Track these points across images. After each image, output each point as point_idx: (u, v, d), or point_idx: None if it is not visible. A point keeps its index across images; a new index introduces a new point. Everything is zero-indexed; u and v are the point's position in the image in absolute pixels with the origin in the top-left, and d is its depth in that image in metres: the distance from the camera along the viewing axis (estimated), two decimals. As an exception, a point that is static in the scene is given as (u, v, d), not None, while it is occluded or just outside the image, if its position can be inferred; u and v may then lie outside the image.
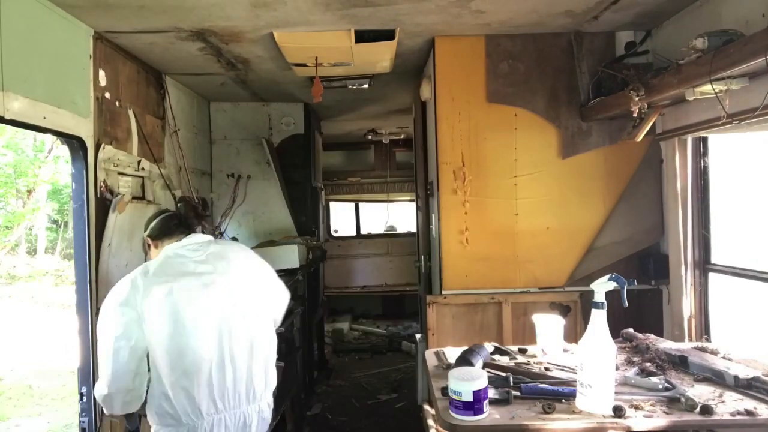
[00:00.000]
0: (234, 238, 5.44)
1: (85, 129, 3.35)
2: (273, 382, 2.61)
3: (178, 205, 2.76)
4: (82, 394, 3.22)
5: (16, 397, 6.86)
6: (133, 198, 3.93)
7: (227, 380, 2.37)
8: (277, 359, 2.68)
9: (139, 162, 4.02)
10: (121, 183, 3.77)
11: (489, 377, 2.19)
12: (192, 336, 2.30)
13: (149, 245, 2.63)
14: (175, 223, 2.60)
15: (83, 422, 3.16)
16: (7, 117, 2.65)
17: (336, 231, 9.86)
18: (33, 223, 13.25)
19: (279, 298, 2.75)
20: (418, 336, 4.45)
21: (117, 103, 3.80)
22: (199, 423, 2.31)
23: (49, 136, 7.89)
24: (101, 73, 3.59)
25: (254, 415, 2.48)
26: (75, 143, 3.30)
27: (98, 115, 3.51)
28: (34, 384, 7.21)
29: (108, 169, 3.57)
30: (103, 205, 3.47)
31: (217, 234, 5.49)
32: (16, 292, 11.75)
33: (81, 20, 3.35)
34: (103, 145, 3.49)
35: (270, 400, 2.59)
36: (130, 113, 3.98)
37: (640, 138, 3.57)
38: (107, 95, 3.65)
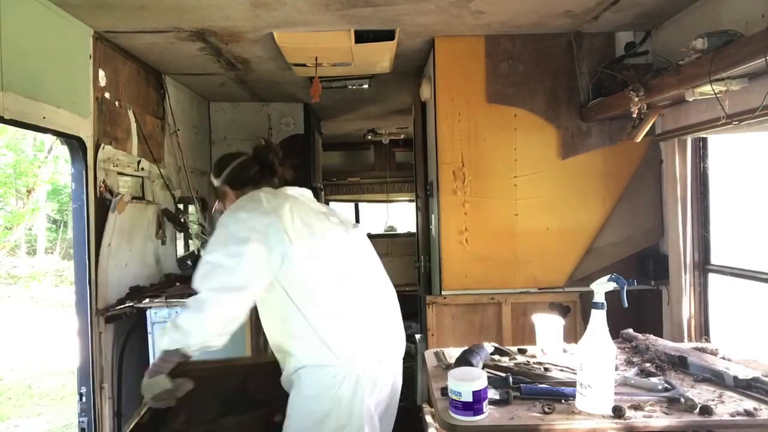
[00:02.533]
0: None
1: (84, 129, 3.35)
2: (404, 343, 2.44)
3: (257, 150, 2.38)
4: (81, 394, 3.22)
5: (16, 397, 6.85)
6: (133, 198, 3.93)
7: (381, 329, 2.26)
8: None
9: (138, 162, 4.02)
10: (120, 183, 3.77)
11: (489, 377, 2.19)
12: (351, 276, 2.19)
13: (224, 193, 2.33)
14: (257, 170, 2.32)
15: (82, 422, 3.17)
16: (7, 117, 2.65)
17: (336, 231, 9.84)
18: (33, 224, 13.23)
19: None
20: (417, 336, 4.42)
21: (117, 103, 3.80)
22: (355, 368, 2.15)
23: (48, 136, 7.89)
24: (101, 73, 3.59)
25: (399, 376, 2.42)
26: (75, 143, 3.31)
27: (98, 115, 3.51)
28: (34, 384, 7.20)
29: (107, 169, 3.58)
30: (103, 205, 3.48)
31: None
32: (16, 292, 11.74)
33: (81, 20, 3.35)
34: (102, 145, 3.49)
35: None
36: (130, 113, 3.98)
37: (639, 138, 3.56)
38: (107, 95, 3.65)
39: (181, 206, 4.83)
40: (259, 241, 2.03)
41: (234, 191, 2.31)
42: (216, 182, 2.37)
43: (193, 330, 1.97)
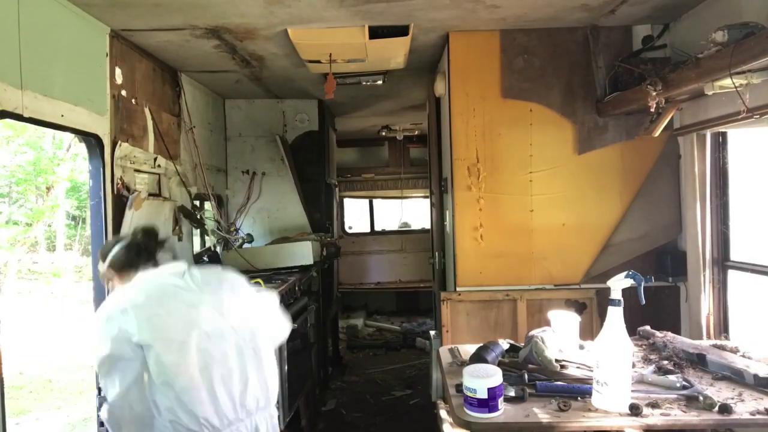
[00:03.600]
0: (249, 235, 5.47)
1: (101, 126, 3.39)
2: (275, 391, 2.55)
3: (136, 233, 2.55)
4: (100, 389, 3.26)
5: (36, 391, 6.97)
6: (150, 195, 3.96)
7: (232, 393, 2.32)
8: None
9: (155, 159, 4.05)
10: (137, 180, 3.80)
11: (504, 374, 2.18)
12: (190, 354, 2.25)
13: (111, 278, 2.48)
14: (136, 253, 2.46)
15: (101, 416, 3.20)
16: (26, 115, 2.68)
17: (350, 227, 9.87)
18: (52, 220, 13.43)
19: (276, 325, 2.67)
20: (432, 332, 4.44)
21: (133, 100, 3.83)
22: None
23: (67, 134, 7.98)
24: (117, 71, 3.62)
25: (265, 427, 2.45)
26: (92, 141, 3.34)
27: (115, 112, 3.54)
28: (54, 378, 7.32)
29: (124, 167, 3.61)
30: (120, 202, 3.51)
31: (232, 230, 5.52)
32: (36, 288, 11.93)
33: (98, 18, 3.38)
34: (119, 142, 3.52)
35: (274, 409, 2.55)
36: (146, 111, 4.01)
37: (657, 133, 3.52)
38: (123, 93, 3.68)
39: (197, 203, 4.87)
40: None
41: (118, 274, 2.46)
42: (101, 267, 2.51)
43: None
